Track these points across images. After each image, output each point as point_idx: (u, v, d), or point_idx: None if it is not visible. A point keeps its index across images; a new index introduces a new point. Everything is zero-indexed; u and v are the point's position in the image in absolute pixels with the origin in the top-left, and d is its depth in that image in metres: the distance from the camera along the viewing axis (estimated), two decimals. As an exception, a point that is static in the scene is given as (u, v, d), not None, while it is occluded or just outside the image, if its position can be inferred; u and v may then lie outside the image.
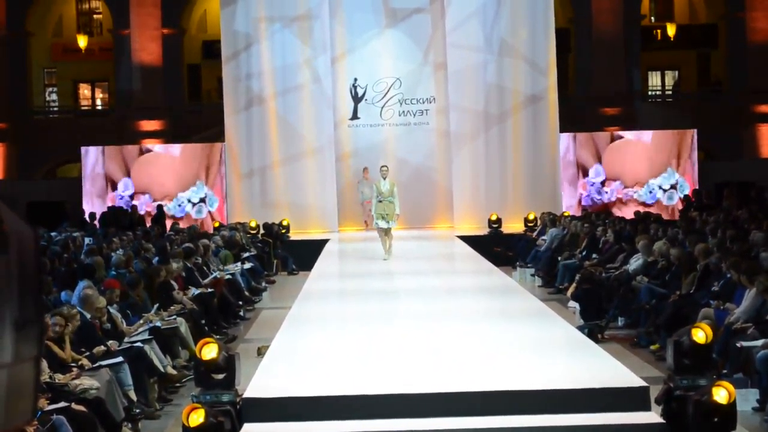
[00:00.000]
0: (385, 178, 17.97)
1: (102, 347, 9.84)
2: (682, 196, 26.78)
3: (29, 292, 1.93)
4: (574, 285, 14.68)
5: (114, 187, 27.15)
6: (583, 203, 26.83)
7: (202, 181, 27.13)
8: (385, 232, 18.00)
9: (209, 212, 27.17)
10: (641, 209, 25.28)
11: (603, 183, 27.08)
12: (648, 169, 27.12)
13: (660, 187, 27.11)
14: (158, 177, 27.33)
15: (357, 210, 25.99)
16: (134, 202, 26.98)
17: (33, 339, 1.95)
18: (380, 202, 17.81)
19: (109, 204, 26.91)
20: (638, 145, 27.40)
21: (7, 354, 1.86)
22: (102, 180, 27.27)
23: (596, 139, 27.36)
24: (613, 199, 27.15)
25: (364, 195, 25.16)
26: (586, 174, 27.07)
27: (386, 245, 18.04)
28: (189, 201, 27.20)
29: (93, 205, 26.86)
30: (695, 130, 27.28)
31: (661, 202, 27.10)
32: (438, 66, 26.24)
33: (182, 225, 25.07)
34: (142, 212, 26.82)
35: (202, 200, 27.17)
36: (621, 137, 27.55)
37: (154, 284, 13.12)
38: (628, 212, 25.03)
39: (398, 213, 17.95)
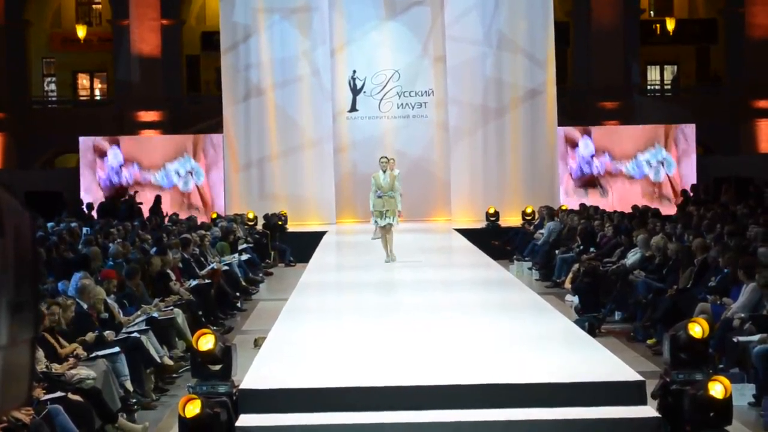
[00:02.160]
0: (384, 171, 16.38)
1: (92, 333, 9.81)
2: (669, 173, 26.90)
3: (26, 275, 1.93)
4: (570, 276, 14.64)
5: (103, 155, 27.26)
6: (573, 175, 26.88)
7: (189, 153, 27.15)
8: (385, 231, 16.22)
9: (196, 186, 27.20)
10: (628, 184, 25.54)
11: (593, 156, 27.24)
12: (635, 143, 27.29)
13: (647, 162, 27.14)
14: (146, 144, 27.57)
15: (355, 202, 25.49)
16: (124, 172, 27.06)
17: (29, 322, 1.94)
18: (379, 197, 16.21)
19: (100, 174, 27.09)
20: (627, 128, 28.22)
21: (2, 337, 1.86)
22: (90, 153, 27.41)
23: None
24: (602, 172, 27.22)
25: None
26: (575, 147, 27.18)
27: (387, 246, 16.39)
28: (176, 173, 27.22)
29: (89, 193, 26.91)
30: (693, 125, 27.29)
31: (648, 178, 27.17)
32: (437, 59, 26.21)
33: (169, 197, 25.62)
34: (131, 182, 26.98)
35: (189, 173, 27.22)
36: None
37: (149, 274, 13.11)
38: (615, 186, 26.00)
39: (400, 209, 16.36)
